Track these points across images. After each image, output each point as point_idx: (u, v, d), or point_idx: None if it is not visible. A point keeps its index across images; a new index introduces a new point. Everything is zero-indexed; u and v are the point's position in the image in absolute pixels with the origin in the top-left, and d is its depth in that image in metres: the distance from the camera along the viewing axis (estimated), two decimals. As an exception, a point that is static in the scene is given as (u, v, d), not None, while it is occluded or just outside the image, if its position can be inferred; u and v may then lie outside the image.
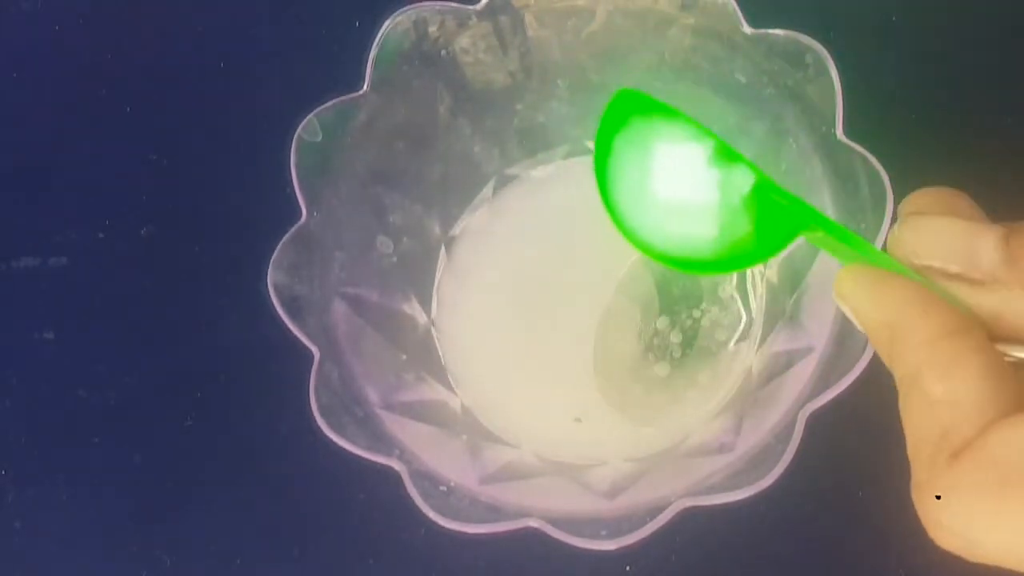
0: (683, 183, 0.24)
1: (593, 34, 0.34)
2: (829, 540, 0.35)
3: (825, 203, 0.31)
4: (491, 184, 0.38)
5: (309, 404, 0.28)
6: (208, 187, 0.41)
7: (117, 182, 0.42)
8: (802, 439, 0.26)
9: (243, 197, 0.40)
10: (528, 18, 0.33)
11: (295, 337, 0.29)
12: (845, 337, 0.28)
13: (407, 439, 0.30)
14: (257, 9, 0.43)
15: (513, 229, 0.38)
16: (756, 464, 0.27)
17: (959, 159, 0.32)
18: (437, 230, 0.38)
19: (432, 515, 0.27)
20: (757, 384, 0.33)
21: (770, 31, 0.30)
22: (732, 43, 0.32)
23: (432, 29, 0.32)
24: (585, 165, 0.35)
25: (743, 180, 0.23)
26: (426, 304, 0.37)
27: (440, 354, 0.37)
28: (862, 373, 0.26)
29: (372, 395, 0.31)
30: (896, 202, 0.25)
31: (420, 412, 0.33)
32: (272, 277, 0.30)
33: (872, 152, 0.28)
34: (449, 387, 0.36)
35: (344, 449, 0.28)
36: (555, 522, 0.26)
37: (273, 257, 0.30)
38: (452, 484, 0.29)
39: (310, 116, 0.31)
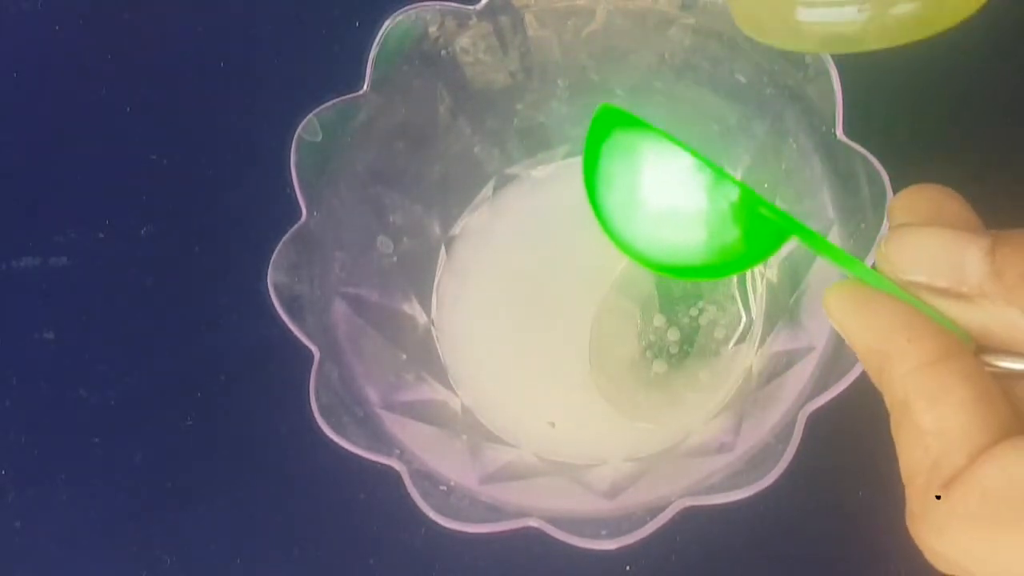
0: (670, 193, 0.24)
1: (593, 34, 0.34)
2: (829, 540, 0.35)
3: (825, 203, 0.31)
4: (491, 184, 0.38)
5: (309, 404, 0.28)
6: (208, 187, 0.41)
7: (117, 182, 0.42)
8: (802, 439, 0.26)
9: (243, 197, 0.40)
10: (528, 18, 0.33)
11: (295, 337, 0.29)
12: (845, 337, 0.28)
13: (407, 439, 0.30)
14: (257, 9, 0.43)
15: (513, 229, 0.38)
16: (756, 464, 0.27)
17: (958, 159, 0.32)
18: (437, 230, 0.38)
19: (432, 515, 0.27)
20: (757, 384, 0.33)
21: (770, 31, 0.30)
22: (732, 43, 0.32)
23: (432, 29, 0.32)
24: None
25: (729, 189, 0.23)
26: (426, 304, 0.37)
27: (440, 354, 0.37)
28: (862, 373, 0.26)
29: (372, 395, 0.31)
30: (895, 203, 0.25)
31: (420, 412, 0.33)
32: (272, 277, 0.30)
33: (872, 152, 0.28)
34: (449, 387, 0.36)
35: (344, 449, 0.28)
36: (555, 522, 0.26)
37: (273, 257, 0.30)
38: (452, 484, 0.29)
39: (310, 116, 0.31)
